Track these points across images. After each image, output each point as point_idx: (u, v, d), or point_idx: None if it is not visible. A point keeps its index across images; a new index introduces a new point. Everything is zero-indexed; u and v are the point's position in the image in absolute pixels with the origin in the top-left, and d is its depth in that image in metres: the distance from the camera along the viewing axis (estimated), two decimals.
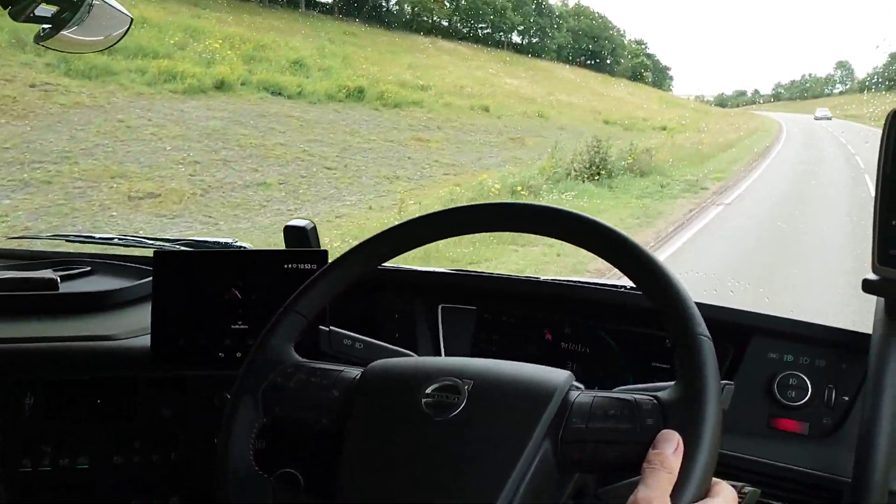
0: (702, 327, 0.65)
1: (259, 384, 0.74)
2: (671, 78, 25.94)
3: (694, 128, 18.89)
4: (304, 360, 0.77)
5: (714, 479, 0.60)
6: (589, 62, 24.83)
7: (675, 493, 0.57)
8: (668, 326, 0.67)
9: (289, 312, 0.78)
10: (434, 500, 0.62)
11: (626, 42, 26.35)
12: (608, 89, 23.19)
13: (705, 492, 0.59)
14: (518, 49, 24.34)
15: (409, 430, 0.67)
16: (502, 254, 6.25)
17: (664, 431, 0.60)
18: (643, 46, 26.31)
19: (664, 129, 17.92)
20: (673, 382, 0.65)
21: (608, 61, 25.73)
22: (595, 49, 25.37)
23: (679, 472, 0.57)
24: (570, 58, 24.88)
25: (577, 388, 0.69)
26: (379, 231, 0.82)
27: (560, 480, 0.66)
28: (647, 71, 25.11)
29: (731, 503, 0.60)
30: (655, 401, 0.63)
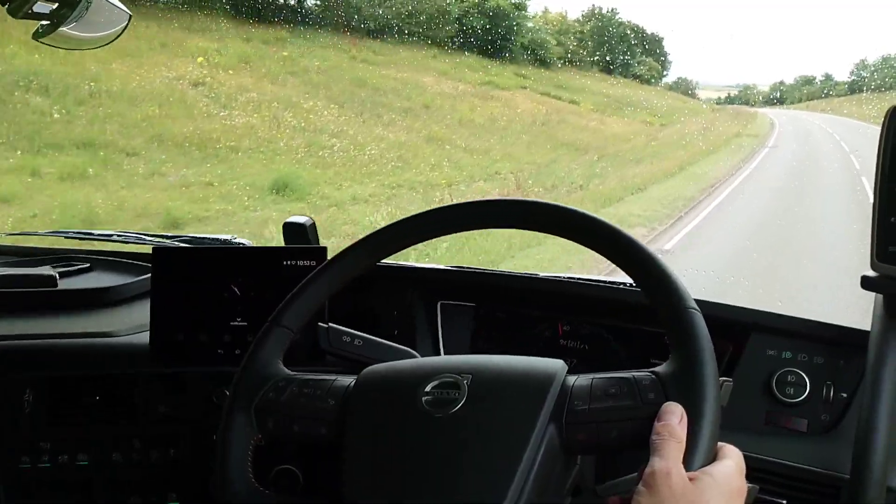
0: (690, 301, 0.66)
1: (251, 401, 0.73)
2: (665, 60, 15.20)
3: None
4: (294, 372, 0.76)
5: (719, 442, 0.62)
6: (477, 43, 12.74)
7: (686, 459, 0.58)
8: (657, 306, 0.68)
9: (274, 326, 0.77)
10: (443, 498, 0.62)
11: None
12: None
13: (714, 455, 0.61)
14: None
15: (411, 430, 0.67)
16: None
17: (667, 404, 0.61)
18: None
19: None
20: (668, 360, 0.66)
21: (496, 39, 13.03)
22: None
23: (687, 440, 0.59)
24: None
25: (574, 374, 0.70)
26: (357, 238, 0.82)
27: (567, 463, 0.67)
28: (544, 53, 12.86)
29: (740, 463, 0.62)
30: (654, 376, 0.64)
